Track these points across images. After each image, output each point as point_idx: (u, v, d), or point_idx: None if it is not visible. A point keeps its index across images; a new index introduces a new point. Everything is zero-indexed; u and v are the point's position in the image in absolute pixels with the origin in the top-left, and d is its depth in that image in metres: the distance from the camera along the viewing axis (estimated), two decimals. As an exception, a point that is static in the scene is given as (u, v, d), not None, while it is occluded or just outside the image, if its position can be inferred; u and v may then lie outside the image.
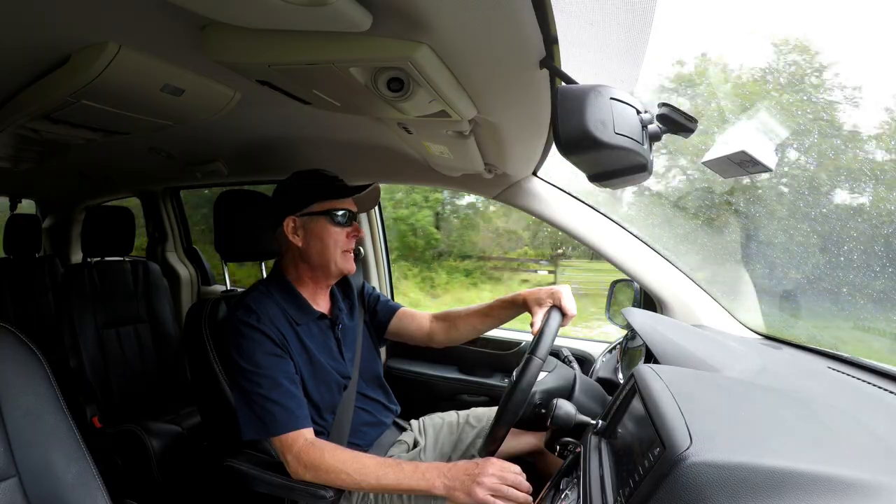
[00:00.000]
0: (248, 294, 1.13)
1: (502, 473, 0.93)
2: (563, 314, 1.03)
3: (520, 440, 1.21)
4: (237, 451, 1.16)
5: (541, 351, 0.94)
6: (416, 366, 1.85)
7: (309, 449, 1.00)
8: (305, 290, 1.18)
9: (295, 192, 1.16)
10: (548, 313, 1.02)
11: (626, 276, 1.40)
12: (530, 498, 0.92)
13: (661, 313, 1.34)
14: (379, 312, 1.33)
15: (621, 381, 1.20)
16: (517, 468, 0.95)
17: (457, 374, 1.78)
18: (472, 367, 1.76)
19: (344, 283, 1.30)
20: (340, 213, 1.14)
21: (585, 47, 0.67)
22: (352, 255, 1.18)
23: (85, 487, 0.82)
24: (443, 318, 1.31)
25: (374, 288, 1.39)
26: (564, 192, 1.42)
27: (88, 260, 2.03)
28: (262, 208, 1.41)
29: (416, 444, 1.24)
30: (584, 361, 1.60)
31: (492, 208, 5.96)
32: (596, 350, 1.61)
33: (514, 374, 0.96)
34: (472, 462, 0.96)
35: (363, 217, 1.91)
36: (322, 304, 1.21)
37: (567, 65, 0.69)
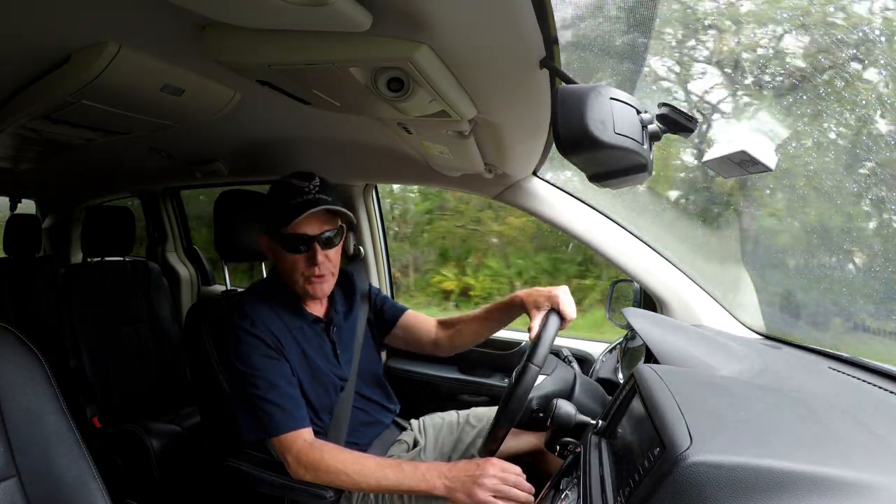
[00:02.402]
0: (245, 297, 1.13)
1: (503, 474, 0.93)
2: (562, 318, 1.01)
3: (520, 440, 1.21)
4: (237, 451, 1.16)
5: (538, 358, 0.93)
6: (416, 366, 1.85)
7: (308, 450, 1.00)
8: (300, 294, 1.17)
9: (264, 211, 1.14)
10: (545, 318, 1.00)
11: (625, 276, 1.40)
12: (531, 498, 0.92)
13: (661, 313, 1.34)
14: (385, 312, 1.32)
15: (621, 381, 1.20)
16: (518, 469, 0.95)
17: (457, 374, 1.78)
18: (472, 367, 1.76)
19: (347, 284, 1.29)
20: (297, 238, 1.05)
21: (585, 47, 0.67)
22: (321, 280, 1.10)
23: (85, 487, 0.81)
24: (447, 325, 1.30)
25: (379, 290, 1.39)
26: (564, 192, 1.42)
27: (88, 260, 2.03)
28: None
29: (415, 444, 1.23)
30: (584, 361, 1.59)
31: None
32: (596, 350, 1.61)
33: (514, 375, 0.96)
34: (472, 462, 0.95)
35: (363, 217, 1.90)
36: (317, 308, 1.20)
37: (567, 65, 0.69)
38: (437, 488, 0.93)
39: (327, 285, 1.12)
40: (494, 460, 0.95)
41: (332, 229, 1.09)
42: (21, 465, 0.77)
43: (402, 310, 1.34)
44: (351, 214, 1.11)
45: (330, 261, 1.11)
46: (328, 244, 1.09)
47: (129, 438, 1.71)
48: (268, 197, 1.14)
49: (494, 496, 0.90)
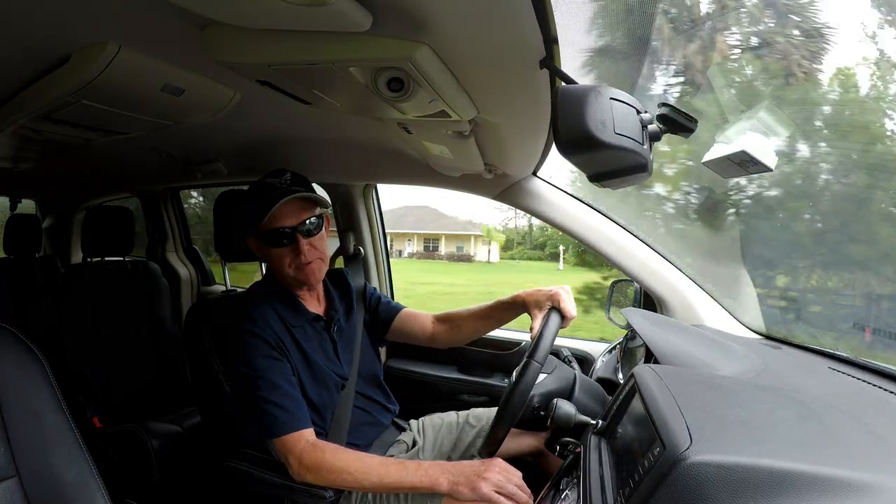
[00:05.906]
0: (245, 297, 1.14)
1: (507, 475, 0.93)
2: (563, 316, 1.02)
3: (520, 440, 1.21)
4: (237, 451, 1.16)
5: (539, 355, 0.93)
6: (416, 366, 1.85)
7: (311, 450, 1.00)
8: (297, 292, 1.18)
9: (243, 213, 1.13)
10: (547, 316, 1.01)
11: (625, 276, 1.40)
12: (531, 502, 0.93)
13: (661, 313, 1.34)
14: (381, 313, 1.33)
15: (621, 381, 1.20)
16: (519, 475, 0.95)
17: (457, 374, 1.78)
18: (472, 367, 1.76)
19: (342, 284, 1.29)
20: (278, 232, 1.07)
21: (585, 47, 0.67)
22: (315, 265, 1.11)
23: (85, 487, 0.81)
24: (445, 320, 1.30)
25: (375, 289, 1.39)
26: (564, 192, 1.42)
27: (88, 260, 2.03)
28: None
29: (414, 444, 1.24)
30: (584, 361, 1.60)
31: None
32: (596, 350, 1.61)
33: (514, 374, 0.96)
34: (477, 461, 0.96)
35: (363, 218, 1.90)
36: (315, 306, 1.20)
37: (567, 65, 0.69)
38: (440, 484, 0.93)
39: (318, 271, 1.13)
40: (498, 460, 0.95)
41: (312, 217, 1.10)
42: (21, 465, 0.77)
43: (398, 309, 1.34)
44: (326, 199, 1.12)
45: (316, 248, 1.11)
46: (310, 233, 1.10)
47: (129, 438, 1.71)
48: (244, 200, 1.14)
49: (497, 492, 0.91)
